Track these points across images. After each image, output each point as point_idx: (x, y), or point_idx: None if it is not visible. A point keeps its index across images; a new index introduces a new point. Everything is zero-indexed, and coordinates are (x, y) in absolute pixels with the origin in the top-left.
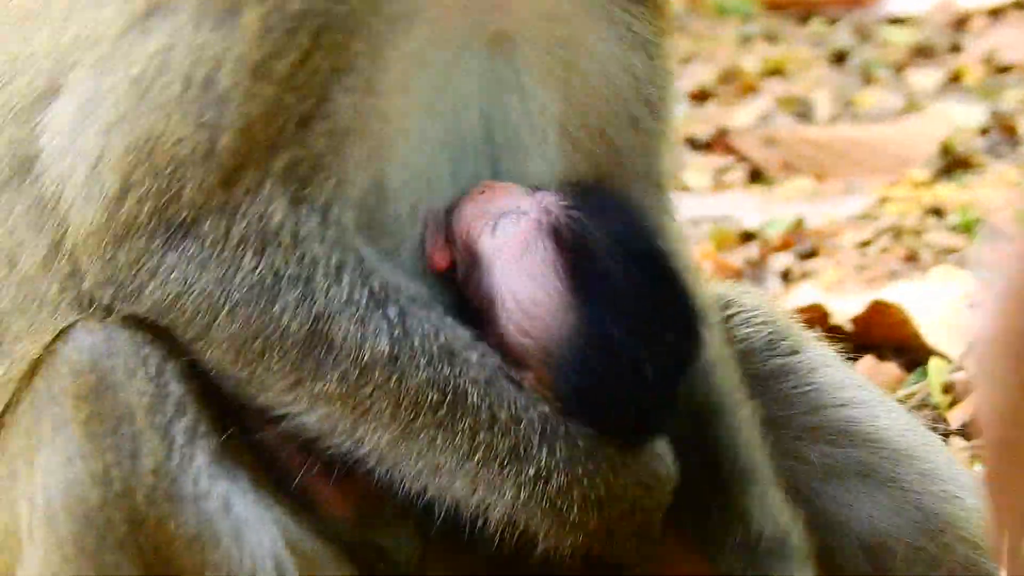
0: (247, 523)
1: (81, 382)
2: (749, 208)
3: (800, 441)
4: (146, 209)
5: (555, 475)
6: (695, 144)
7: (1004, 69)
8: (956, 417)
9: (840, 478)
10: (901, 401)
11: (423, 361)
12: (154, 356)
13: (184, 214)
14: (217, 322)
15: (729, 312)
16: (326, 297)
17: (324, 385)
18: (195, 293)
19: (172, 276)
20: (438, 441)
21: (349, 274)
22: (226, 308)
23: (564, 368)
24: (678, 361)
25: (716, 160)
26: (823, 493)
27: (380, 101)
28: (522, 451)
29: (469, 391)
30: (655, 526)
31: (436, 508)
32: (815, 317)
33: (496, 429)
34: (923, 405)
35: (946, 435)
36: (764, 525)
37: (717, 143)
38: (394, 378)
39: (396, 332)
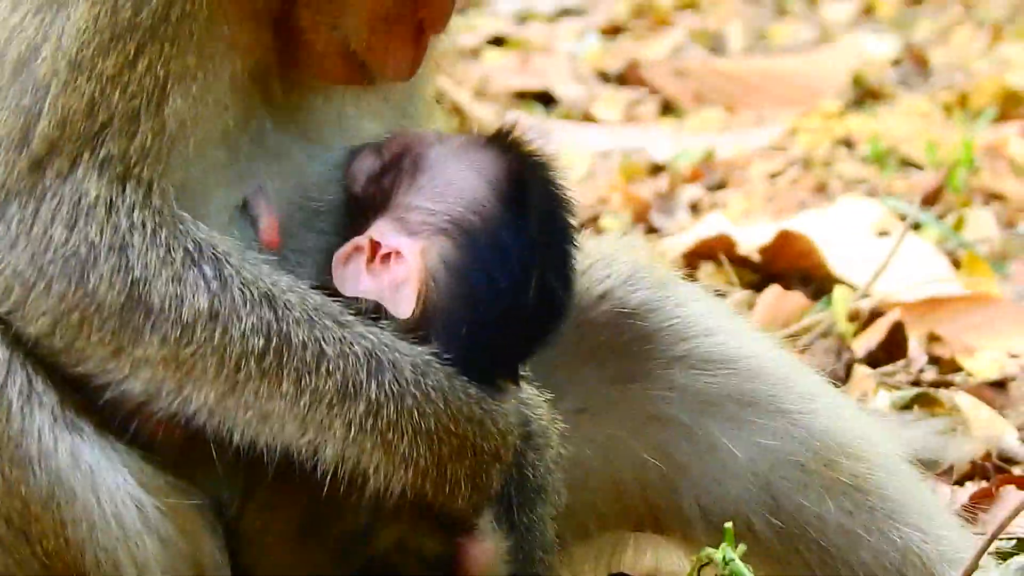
0: (98, 470)
1: None
2: (660, 140)
3: (670, 372)
4: None
5: (384, 408)
6: (606, 77)
7: (917, 1)
8: (861, 345)
9: (718, 406)
10: (807, 329)
11: (244, 311)
12: None
13: None
14: (31, 298)
15: (587, 261)
16: (142, 261)
17: (145, 350)
18: (6, 273)
19: None
20: (265, 390)
21: (165, 236)
22: (39, 285)
23: (457, 265)
24: (555, 313)
25: (627, 93)
26: (703, 424)
27: (210, 110)
28: (350, 388)
29: (293, 332)
30: (491, 476)
31: (264, 454)
32: (722, 247)
33: (323, 369)
34: (828, 333)
35: (850, 363)
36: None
37: (628, 75)
38: (217, 332)
39: (214, 286)
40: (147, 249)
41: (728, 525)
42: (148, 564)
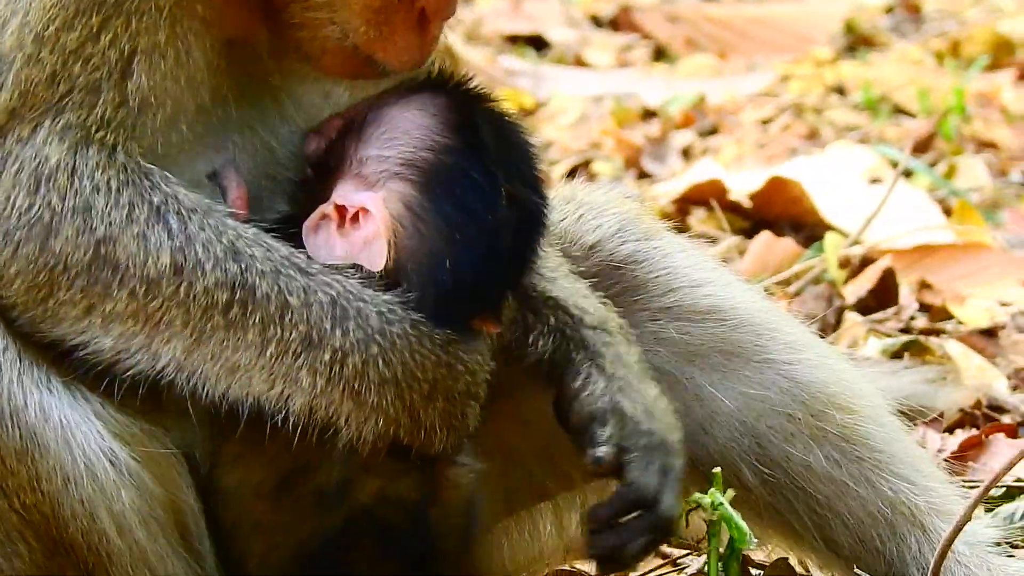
0: (69, 424)
1: None
2: (651, 85)
3: (657, 322)
4: None
5: (350, 357)
6: (599, 22)
7: None
8: (852, 292)
9: (704, 357)
10: (798, 275)
11: (208, 265)
12: None
13: None
14: (2, 263)
15: (579, 211)
16: (106, 222)
17: (115, 305)
18: None
19: None
20: (231, 341)
21: (129, 194)
22: (7, 250)
23: (423, 217)
24: (523, 257)
25: (619, 38)
26: (689, 374)
27: (183, 86)
28: (315, 337)
29: (257, 284)
30: (466, 416)
31: (235, 409)
32: (714, 193)
33: (287, 319)
34: (819, 280)
35: (841, 310)
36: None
37: (621, 20)
38: (182, 286)
39: (178, 241)
40: (110, 209)
41: (717, 470)
42: (124, 513)
